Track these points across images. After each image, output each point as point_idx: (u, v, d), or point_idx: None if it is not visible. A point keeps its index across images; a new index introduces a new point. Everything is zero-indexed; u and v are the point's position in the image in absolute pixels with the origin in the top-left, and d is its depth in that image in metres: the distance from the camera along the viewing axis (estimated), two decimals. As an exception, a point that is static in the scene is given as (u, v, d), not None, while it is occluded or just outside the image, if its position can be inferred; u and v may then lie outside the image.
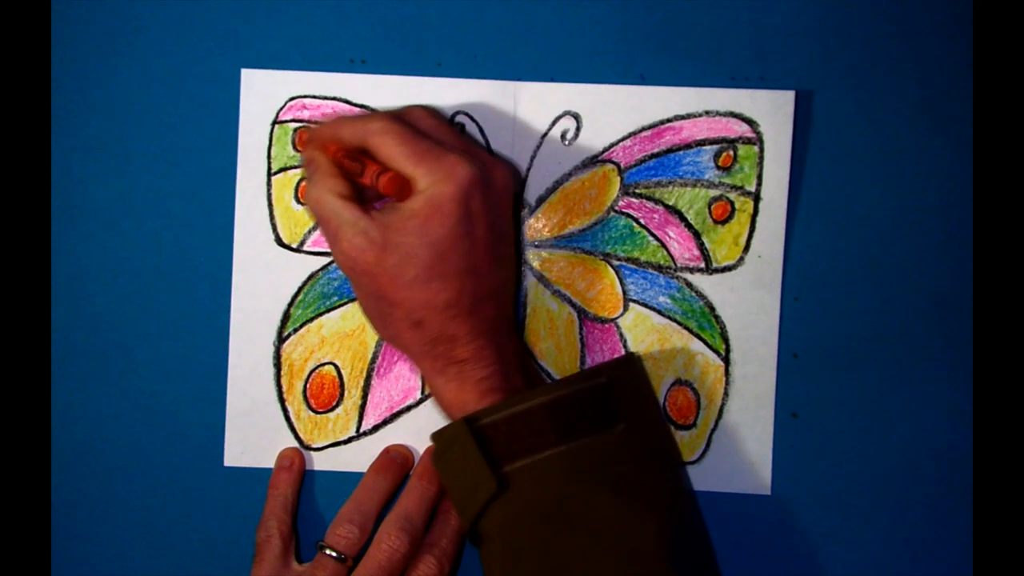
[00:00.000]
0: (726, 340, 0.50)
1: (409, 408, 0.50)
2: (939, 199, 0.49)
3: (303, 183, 0.50)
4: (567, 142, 0.50)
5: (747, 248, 0.49)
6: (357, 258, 0.42)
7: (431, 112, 0.46)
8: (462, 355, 0.43)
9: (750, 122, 0.49)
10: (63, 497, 0.50)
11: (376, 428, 0.50)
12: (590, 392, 0.43)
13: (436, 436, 0.44)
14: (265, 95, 0.50)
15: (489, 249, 0.43)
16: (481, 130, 0.50)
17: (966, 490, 0.49)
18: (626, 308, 0.50)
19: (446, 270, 0.42)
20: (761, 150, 0.49)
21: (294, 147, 0.50)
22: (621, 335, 0.50)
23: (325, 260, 0.50)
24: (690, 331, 0.50)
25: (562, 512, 0.41)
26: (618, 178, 0.50)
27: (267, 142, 0.50)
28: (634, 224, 0.50)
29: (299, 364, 0.50)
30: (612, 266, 0.50)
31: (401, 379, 0.50)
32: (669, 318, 0.50)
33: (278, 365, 0.50)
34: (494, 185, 0.44)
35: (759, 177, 0.49)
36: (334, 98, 0.50)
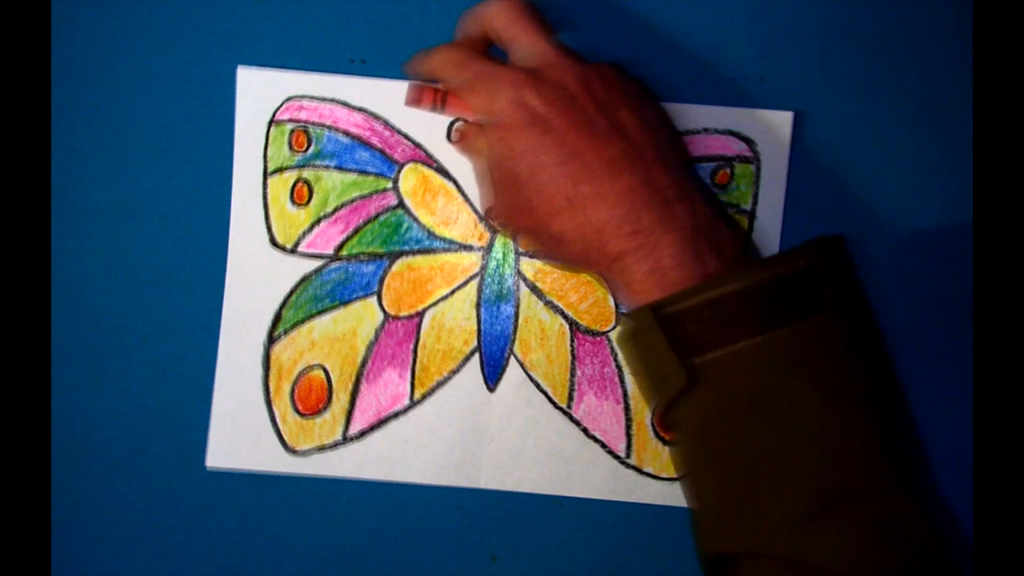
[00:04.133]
0: (717, 357, 0.50)
1: (397, 415, 0.50)
2: (937, 223, 0.50)
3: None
4: (565, 153, 0.49)
5: (740, 266, 0.49)
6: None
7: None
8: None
9: (748, 141, 0.49)
10: (60, 496, 0.49)
11: (363, 434, 0.50)
12: (790, 277, 0.39)
13: (623, 319, 0.42)
14: (261, 94, 0.49)
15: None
16: (480, 138, 0.49)
17: (966, 490, 0.49)
18: (618, 321, 0.50)
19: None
20: (758, 169, 0.49)
21: (290, 147, 0.49)
22: (612, 348, 0.50)
23: (319, 263, 0.49)
24: (681, 347, 0.50)
25: (761, 407, 0.38)
26: (615, 191, 0.50)
27: (263, 142, 0.49)
28: (629, 238, 0.50)
29: (288, 366, 0.49)
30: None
31: (390, 385, 0.50)
32: (661, 333, 0.50)
33: (267, 367, 0.49)
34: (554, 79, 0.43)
35: (755, 196, 0.49)
36: (332, 99, 0.49)
